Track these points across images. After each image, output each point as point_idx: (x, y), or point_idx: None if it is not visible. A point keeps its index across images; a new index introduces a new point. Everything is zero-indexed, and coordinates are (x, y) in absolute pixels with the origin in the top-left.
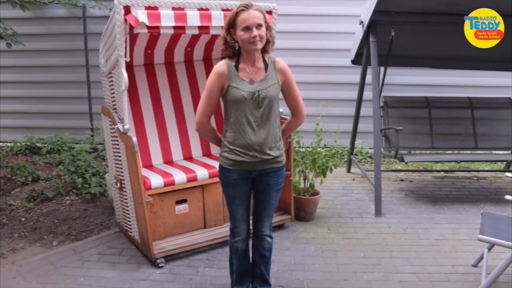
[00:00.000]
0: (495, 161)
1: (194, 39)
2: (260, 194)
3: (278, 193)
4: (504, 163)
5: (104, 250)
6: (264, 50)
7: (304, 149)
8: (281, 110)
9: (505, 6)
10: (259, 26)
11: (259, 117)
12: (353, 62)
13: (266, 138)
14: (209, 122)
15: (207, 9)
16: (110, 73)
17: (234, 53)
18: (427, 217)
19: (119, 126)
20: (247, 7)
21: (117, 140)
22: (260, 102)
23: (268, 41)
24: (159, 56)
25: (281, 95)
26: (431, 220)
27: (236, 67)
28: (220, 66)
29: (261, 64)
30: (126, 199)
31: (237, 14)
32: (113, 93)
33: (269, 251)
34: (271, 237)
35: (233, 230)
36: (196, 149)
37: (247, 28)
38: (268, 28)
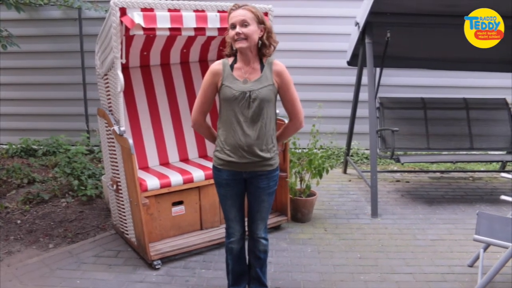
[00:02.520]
0: (491, 162)
1: (190, 40)
2: (252, 197)
3: (270, 197)
4: (500, 163)
5: (101, 252)
6: (261, 54)
7: (300, 150)
8: (277, 111)
9: (503, 8)
10: (244, 24)
11: (249, 117)
12: (349, 63)
13: (256, 140)
14: (204, 120)
15: (203, 11)
16: (106, 74)
17: (232, 52)
18: (423, 217)
19: (115, 128)
20: (236, 7)
21: (113, 142)
22: (250, 103)
23: (264, 44)
24: (155, 58)
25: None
26: (427, 220)
27: (232, 66)
28: (216, 65)
29: (257, 65)
30: (122, 201)
31: (229, 14)
32: (109, 95)
33: (264, 253)
34: (266, 240)
35: (228, 231)
36: (192, 151)
37: (233, 26)
38: (267, 30)
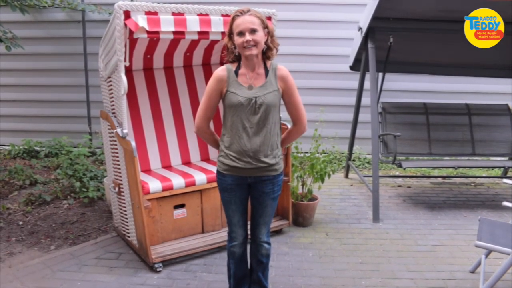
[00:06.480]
0: (493, 167)
1: (193, 44)
2: (256, 201)
3: (274, 201)
4: (502, 169)
5: (102, 254)
6: (266, 57)
7: (302, 155)
8: (280, 115)
9: (504, 14)
10: (253, 31)
11: (255, 123)
12: (352, 68)
13: (262, 145)
14: (208, 126)
15: (206, 15)
16: (109, 77)
17: (235, 59)
18: (424, 223)
19: (118, 130)
20: (242, 12)
21: (116, 144)
22: (256, 109)
23: (269, 48)
24: (158, 61)
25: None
26: (429, 226)
27: (236, 72)
28: (220, 71)
29: (261, 70)
30: (124, 203)
31: (233, 19)
32: (112, 97)
33: (266, 257)
34: (269, 244)
35: (230, 235)
36: (194, 154)
37: (241, 33)
38: (270, 34)
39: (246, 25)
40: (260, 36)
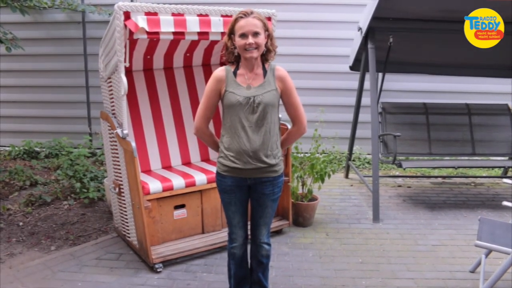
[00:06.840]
0: (493, 167)
1: (193, 44)
2: (256, 203)
3: (274, 203)
4: (502, 169)
5: (102, 255)
6: (265, 59)
7: (302, 155)
8: (280, 115)
9: (504, 14)
10: (255, 34)
11: (254, 122)
12: (352, 68)
13: (261, 145)
14: (207, 127)
15: (206, 15)
16: (109, 78)
17: (234, 59)
18: (424, 223)
19: (118, 131)
20: (246, 14)
21: (116, 145)
22: (255, 107)
23: (268, 50)
24: (158, 62)
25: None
26: (429, 226)
27: (235, 72)
28: (219, 71)
29: (260, 71)
30: (124, 204)
31: (236, 20)
32: (112, 98)
33: (267, 258)
34: (269, 245)
35: (231, 236)
36: (194, 154)
37: (244, 35)
38: (270, 36)
39: (250, 28)
40: (262, 39)
